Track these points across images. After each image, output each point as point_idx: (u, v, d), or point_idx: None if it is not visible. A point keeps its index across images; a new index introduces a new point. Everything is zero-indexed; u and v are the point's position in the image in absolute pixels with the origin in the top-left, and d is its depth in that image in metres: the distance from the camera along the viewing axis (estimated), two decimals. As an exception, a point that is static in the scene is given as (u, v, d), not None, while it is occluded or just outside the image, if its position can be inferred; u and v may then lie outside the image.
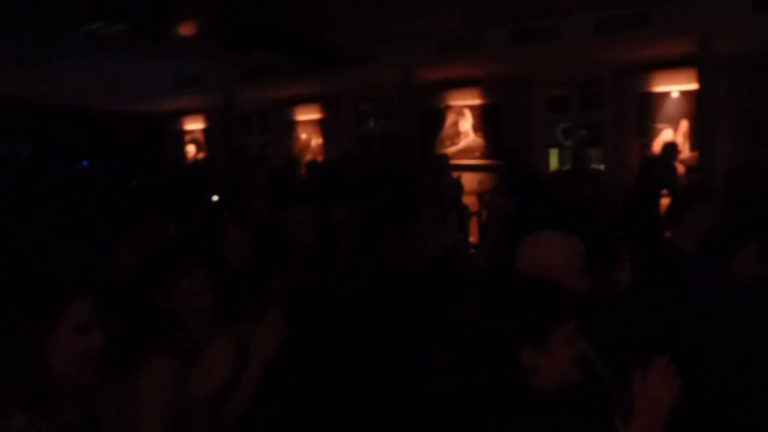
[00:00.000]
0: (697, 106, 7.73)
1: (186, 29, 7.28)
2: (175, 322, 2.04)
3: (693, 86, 7.68)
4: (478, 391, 1.59)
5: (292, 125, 11.87)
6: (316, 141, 11.54)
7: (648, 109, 8.43)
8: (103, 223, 4.08)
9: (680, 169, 7.48)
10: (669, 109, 8.27)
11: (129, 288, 2.22)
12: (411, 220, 3.27)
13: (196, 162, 12.64)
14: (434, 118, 9.93)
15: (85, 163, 10.73)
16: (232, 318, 2.17)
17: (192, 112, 13.61)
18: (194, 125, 13.78)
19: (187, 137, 13.82)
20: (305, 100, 11.56)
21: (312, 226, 3.67)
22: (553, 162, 9.38)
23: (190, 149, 13.64)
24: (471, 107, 9.68)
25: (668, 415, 1.47)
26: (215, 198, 6.87)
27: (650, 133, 8.38)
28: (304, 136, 11.71)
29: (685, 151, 7.92)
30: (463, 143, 9.72)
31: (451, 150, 9.68)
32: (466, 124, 9.70)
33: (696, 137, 7.81)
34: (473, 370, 1.65)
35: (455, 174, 7.84)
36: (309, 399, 2.38)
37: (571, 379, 1.60)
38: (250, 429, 2.05)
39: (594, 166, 8.73)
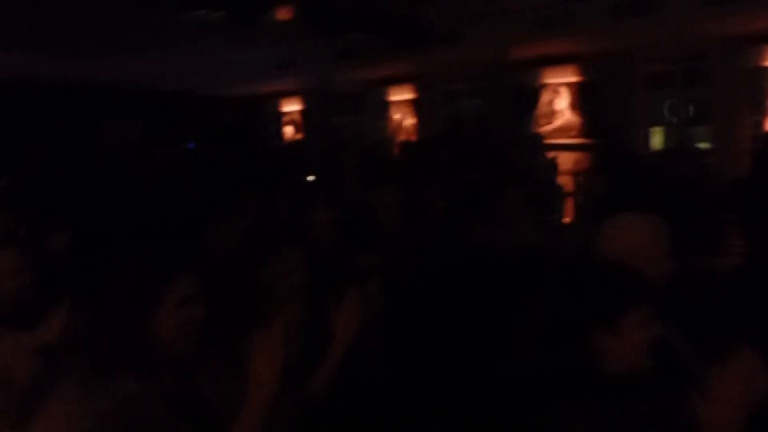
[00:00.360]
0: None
1: (282, 14, 7.54)
2: (273, 297, 2.15)
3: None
4: (551, 372, 1.60)
5: (386, 105, 11.99)
6: (410, 121, 11.61)
7: (760, 84, 7.92)
8: (206, 201, 4.33)
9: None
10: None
11: (231, 261, 2.36)
12: (498, 201, 3.27)
13: (293, 142, 13.03)
14: (528, 97, 9.74)
15: (191, 144, 11.32)
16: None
17: (289, 94, 14.02)
18: (292, 107, 14.19)
19: (285, 119, 14.27)
20: (398, 80, 11.64)
21: (399, 206, 3.76)
22: (658, 141, 9.01)
23: (288, 130, 14.08)
24: (567, 85, 9.42)
25: (748, 411, 1.41)
26: (310, 178, 7.09)
27: (763, 110, 7.88)
28: (397, 116, 11.81)
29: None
30: (558, 122, 9.49)
31: (546, 129, 9.48)
32: (562, 102, 9.46)
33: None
34: (548, 352, 1.66)
35: (550, 154, 7.72)
36: (394, 372, 2.47)
37: (644, 364, 1.58)
38: (336, 401, 2.15)
39: (701, 145, 8.33)
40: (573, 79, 9.39)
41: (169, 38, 9.04)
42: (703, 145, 8.33)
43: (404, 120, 11.70)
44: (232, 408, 1.65)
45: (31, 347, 2.18)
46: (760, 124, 7.83)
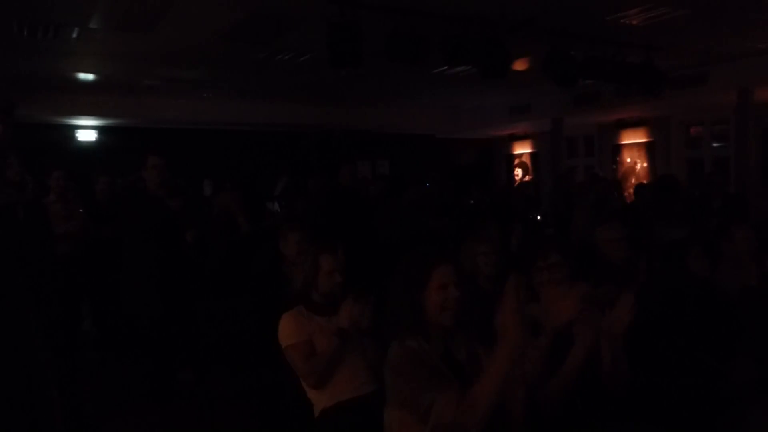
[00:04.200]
0: None
1: (519, 65, 8.11)
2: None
3: None
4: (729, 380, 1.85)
5: (617, 149, 11.97)
6: (642, 164, 11.48)
7: None
8: (448, 229, 5.03)
9: None
10: None
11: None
12: (723, 239, 3.46)
13: (524, 183, 13.48)
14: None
15: (427, 184, 12.29)
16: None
17: (521, 137, 14.53)
18: (522, 149, 14.67)
19: (516, 160, 14.78)
20: (631, 124, 11.59)
21: (622, 242, 4.01)
22: None
23: (518, 171, 14.57)
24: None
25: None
26: (539, 217, 7.49)
27: None
28: (628, 159, 11.73)
29: None
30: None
31: (794, 174, 8.89)
32: (814, 145, 8.80)
33: None
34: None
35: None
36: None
37: None
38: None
39: None
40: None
41: (418, 89, 10.10)
42: None
43: (636, 163, 11.59)
44: (477, 370, 2.09)
45: (333, 328, 2.92)
46: None
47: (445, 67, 8.14)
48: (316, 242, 3.25)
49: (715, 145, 10.58)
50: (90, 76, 8.70)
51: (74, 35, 6.49)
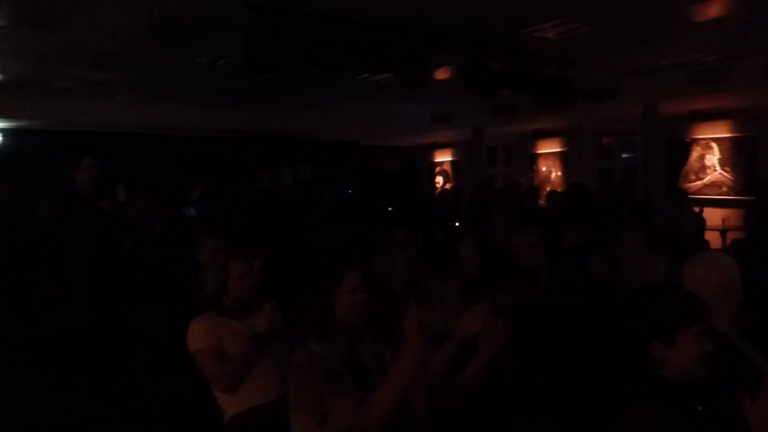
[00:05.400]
0: None
1: (440, 74, 8.27)
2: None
3: None
4: (619, 377, 1.96)
5: (534, 158, 12.37)
6: (556, 173, 11.90)
7: None
8: (367, 235, 5.06)
9: None
10: None
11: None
12: (617, 246, 3.64)
13: (445, 190, 13.73)
14: (679, 152, 9.73)
15: (350, 192, 12.35)
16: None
17: (442, 146, 14.80)
18: (444, 158, 14.95)
19: (437, 168, 15.04)
20: (547, 134, 12.01)
21: (536, 247, 4.16)
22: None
23: (439, 179, 14.83)
24: (718, 140, 9.34)
25: None
26: (457, 224, 7.64)
27: None
28: (544, 168, 12.15)
29: None
30: (708, 177, 9.40)
31: (696, 184, 9.43)
32: (713, 158, 9.37)
33: None
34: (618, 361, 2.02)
35: (696, 208, 7.73)
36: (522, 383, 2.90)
37: (698, 373, 1.87)
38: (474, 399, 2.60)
39: None
40: (725, 134, 9.29)
41: (341, 96, 10.12)
42: None
43: (551, 172, 12.01)
44: (381, 374, 2.12)
45: (244, 334, 2.89)
46: None
47: (367, 75, 8.20)
48: (227, 247, 3.21)
49: (624, 155, 11.10)
50: (-4, 75, 8.28)
51: (-23, 31, 6.17)
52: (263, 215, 5.88)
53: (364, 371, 2.21)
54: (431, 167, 15.19)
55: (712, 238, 7.55)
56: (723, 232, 8.39)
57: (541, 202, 9.20)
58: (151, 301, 4.35)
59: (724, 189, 9.22)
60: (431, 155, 15.21)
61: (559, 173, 11.82)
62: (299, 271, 2.30)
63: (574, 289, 3.46)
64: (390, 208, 7.28)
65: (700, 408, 1.91)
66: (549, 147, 12.09)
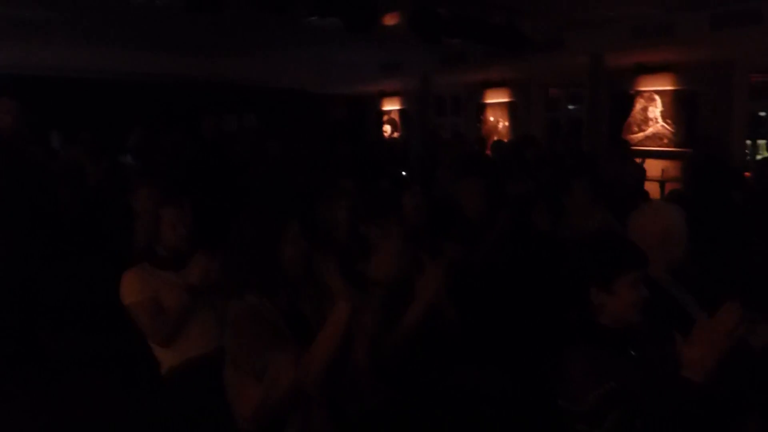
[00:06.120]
0: None
1: (389, 20, 8.09)
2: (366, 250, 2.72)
3: None
4: (559, 324, 2.00)
5: (482, 108, 12.38)
6: (504, 124, 11.95)
7: None
8: (312, 185, 4.96)
9: None
10: None
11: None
12: (564, 195, 3.67)
13: (392, 139, 13.66)
14: (623, 104, 9.87)
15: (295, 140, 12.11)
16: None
17: (391, 94, 14.65)
18: (392, 106, 14.82)
19: (385, 117, 14.92)
20: (495, 85, 11.99)
21: (482, 197, 4.16)
22: (757, 153, 8.93)
23: (387, 128, 14.72)
24: (661, 93, 9.48)
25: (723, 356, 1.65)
26: (404, 174, 7.61)
27: None
28: (492, 118, 12.17)
29: None
30: (650, 130, 9.58)
31: (638, 136, 9.60)
32: (655, 110, 9.53)
33: None
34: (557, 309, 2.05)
35: (638, 160, 7.88)
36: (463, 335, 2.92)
37: (633, 319, 1.91)
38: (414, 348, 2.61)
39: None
40: (668, 87, 9.44)
41: (286, 40, 9.83)
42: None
43: (498, 123, 12.05)
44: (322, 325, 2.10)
45: (180, 284, 2.81)
46: None
47: (313, 18, 7.95)
48: (160, 194, 3.10)
49: (570, 107, 11.19)
50: None
51: None
52: (204, 163, 5.72)
53: (303, 324, 2.18)
54: (379, 116, 15.05)
55: (652, 188, 7.72)
56: (662, 183, 8.60)
57: (488, 152, 9.23)
58: (85, 252, 4.21)
59: (665, 141, 9.41)
60: (379, 104, 15.05)
61: (507, 124, 11.86)
62: (239, 221, 2.24)
63: (517, 238, 3.48)
64: (336, 157, 7.19)
65: (633, 353, 1.96)
66: (497, 97, 12.09)
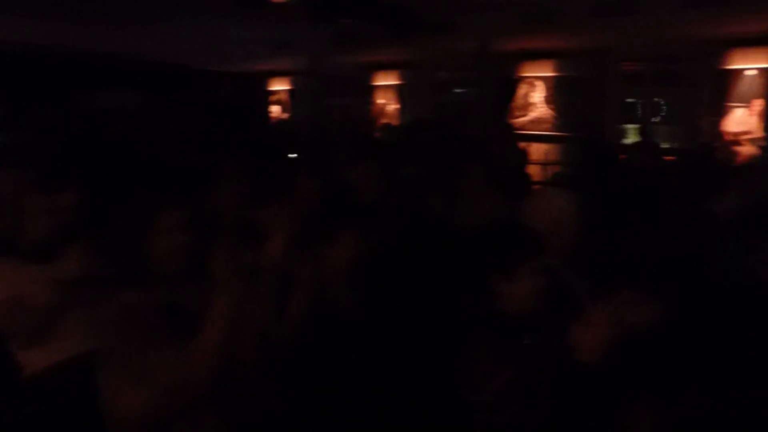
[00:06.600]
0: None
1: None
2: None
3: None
4: (460, 312, 1.99)
5: (372, 89, 12.35)
6: (393, 106, 11.99)
7: (722, 87, 8.39)
8: (197, 168, 4.71)
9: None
10: (744, 88, 8.21)
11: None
12: (458, 178, 3.67)
13: (281, 121, 13.39)
14: (508, 89, 10.15)
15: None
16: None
17: (281, 74, 14.31)
18: (282, 86, 14.49)
19: (274, 97, 14.58)
20: (385, 67, 11.99)
21: (375, 181, 4.10)
22: (630, 137, 9.46)
23: (277, 109, 14.40)
24: (543, 79, 9.83)
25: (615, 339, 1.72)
26: (294, 155, 7.43)
27: (722, 111, 8.34)
28: (382, 100, 12.18)
29: (759, 131, 7.91)
30: (533, 114, 9.93)
31: (521, 120, 9.92)
32: (538, 95, 9.88)
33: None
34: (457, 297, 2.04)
35: (521, 144, 8.12)
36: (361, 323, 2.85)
37: (531, 306, 1.94)
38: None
39: (669, 143, 8.80)
40: (549, 73, 9.80)
41: (172, 12, 9.30)
42: (670, 144, 8.80)
43: (388, 105, 12.07)
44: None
45: (48, 280, 2.55)
46: (716, 124, 8.29)
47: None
48: (27, 179, 2.81)
49: (458, 90, 11.38)
50: None
51: None
52: (77, 143, 5.30)
53: (187, 320, 2.02)
54: (268, 96, 14.68)
55: (535, 172, 7.98)
56: (545, 165, 8.94)
57: (378, 134, 9.21)
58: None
59: (547, 125, 9.77)
60: (268, 83, 14.67)
61: (396, 106, 11.90)
62: (115, 210, 2.05)
63: (412, 223, 3.44)
64: (222, 138, 6.91)
65: (533, 340, 1.96)
66: (387, 79, 12.09)
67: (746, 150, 7.57)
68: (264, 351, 2.24)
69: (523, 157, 7.71)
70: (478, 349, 1.89)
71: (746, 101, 8.13)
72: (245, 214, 2.82)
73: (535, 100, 9.91)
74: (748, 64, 8.16)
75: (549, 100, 9.81)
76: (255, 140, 7.16)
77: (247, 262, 2.38)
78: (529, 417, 1.78)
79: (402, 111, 11.72)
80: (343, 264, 2.56)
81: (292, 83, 14.14)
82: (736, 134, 7.97)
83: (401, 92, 11.85)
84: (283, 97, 14.36)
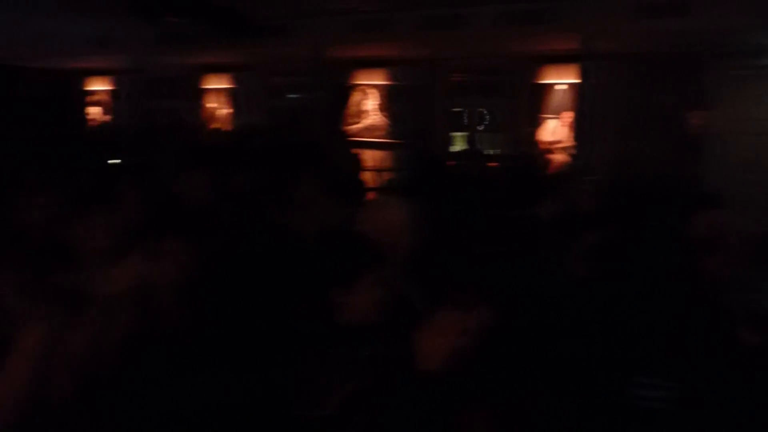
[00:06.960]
0: (577, 99, 8.48)
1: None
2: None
3: (577, 81, 8.41)
4: (299, 325, 1.92)
5: (202, 93, 11.91)
6: (225, 110, 11.64)
7: (537, 99, 9.06)
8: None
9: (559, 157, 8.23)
10: (556, 101, 8.94)
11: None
12: (293, 185, 3.61)
13: (101, 124, 12.51)
14: (342, 96, 10.24)
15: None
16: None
17: (100, 73, 13.35)
18: (101, 86, 13.53)
19: (94, 98, 13.57)
20: (216, 69, 11.62)
21: (207, 188, 3.95)
22: (457, 145, 9.90)
23: (96, 110, 13.41)
24: (377, 87, 10.05)
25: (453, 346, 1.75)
26: (115, 160, 6.92)
27: (537, 122, 9.01)
28: (213, 104, 11.78)
29: (569, 141, 8.65)
30: (366, 121, 10.10)
31: (354, 127, 10.05)
32: (371, 103, 10.07)
33: (576, 129, 8.55)
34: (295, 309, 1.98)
35: (355, 150, 8.23)
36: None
37: (372, 318, 1.93)
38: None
39: (494, 150, 9.34)
40: (382, 81, 10.04)
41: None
42: (494, 151, 9.35)
43: (218, 109, 11.70)
44: None
45: None
46: (533, 134, 8.95)
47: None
48: None
49: (292, 96, 11.28)
50: None
51: None
52: None
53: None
54: (85, 97, 13.61)
55: (369, 178, 8.10)
56: (378, 172, 9.11)
57: (208, 139, 8.86)
58: None
59: (379, 133, 9.98)
60: (88, 83, 13.61)
61: (228, 110, 11.57)
62: None
63: (245, 233, 3.31)
64: (29, 142, 6.27)
65: (374, 351, 1.93)
66: (218, 82, 11.72)
67: (559, 158, 8.23)
68: (83, 380, 2.01)
69: (357, 163, 7.80)
70: (318, 363, 1.84)
71: (558, 113, 8.85)
72: (55, 229, 2.54)
73: (369, 108, 10.07)
74: (559, 79, 8.89)
75: (382, 108, 10.02)
76: (68, 144, 6.55)
77: (59, 284, 2.15)
78: (372, 429, 1.74)
79: (234, 116, 11.40)
80: (169, 279, 2.38)
81: (115, 83, 13.24)
82: (551, 143, 8.65)
83: (234, 96, 11.53)
84: (104, 97, 13.39)
